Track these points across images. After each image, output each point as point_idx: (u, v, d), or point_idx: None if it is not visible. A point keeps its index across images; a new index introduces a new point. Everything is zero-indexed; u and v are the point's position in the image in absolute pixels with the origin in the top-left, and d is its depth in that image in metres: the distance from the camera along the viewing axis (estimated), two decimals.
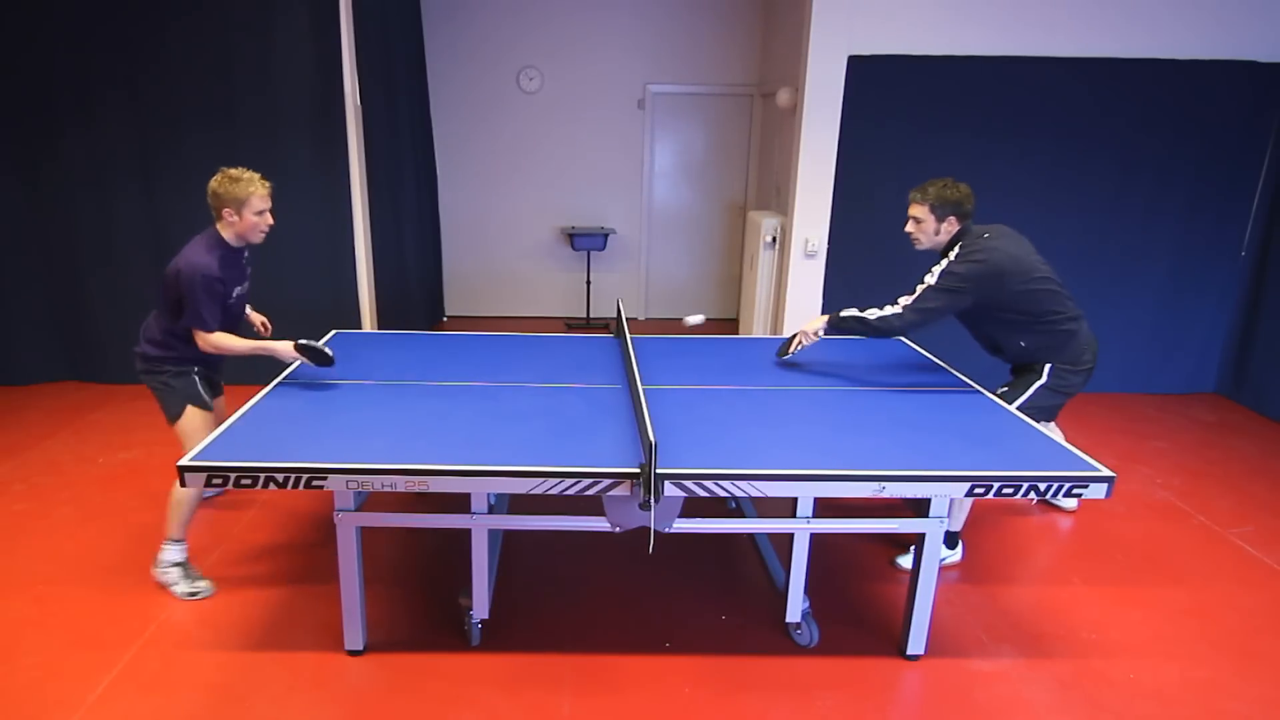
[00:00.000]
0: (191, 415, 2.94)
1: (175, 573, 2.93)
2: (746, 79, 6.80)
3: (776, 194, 5.99)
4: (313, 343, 3.00)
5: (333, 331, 3.74)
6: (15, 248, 4.83)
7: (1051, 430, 3.40)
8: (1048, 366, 3.12)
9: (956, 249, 3.03)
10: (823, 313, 5.16)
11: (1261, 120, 4.87)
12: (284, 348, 2.96)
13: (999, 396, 3.14)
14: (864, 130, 4.88)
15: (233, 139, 4.72)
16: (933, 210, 3.02)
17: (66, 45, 4.54)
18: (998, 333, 3.14)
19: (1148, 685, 2.57)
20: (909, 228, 3.11)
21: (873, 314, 3.08)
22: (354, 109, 4.75)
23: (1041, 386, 3.12)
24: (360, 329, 4.98)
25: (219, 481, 2.24)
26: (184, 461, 2.24)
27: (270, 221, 2.94)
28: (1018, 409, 3.05)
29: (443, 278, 7.12)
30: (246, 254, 3.03)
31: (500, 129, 6.84)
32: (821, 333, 3.22)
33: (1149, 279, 5.14)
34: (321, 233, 4.89)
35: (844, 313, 3.14)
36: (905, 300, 3.04)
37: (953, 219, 3.03)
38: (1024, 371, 3.19)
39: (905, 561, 3.26)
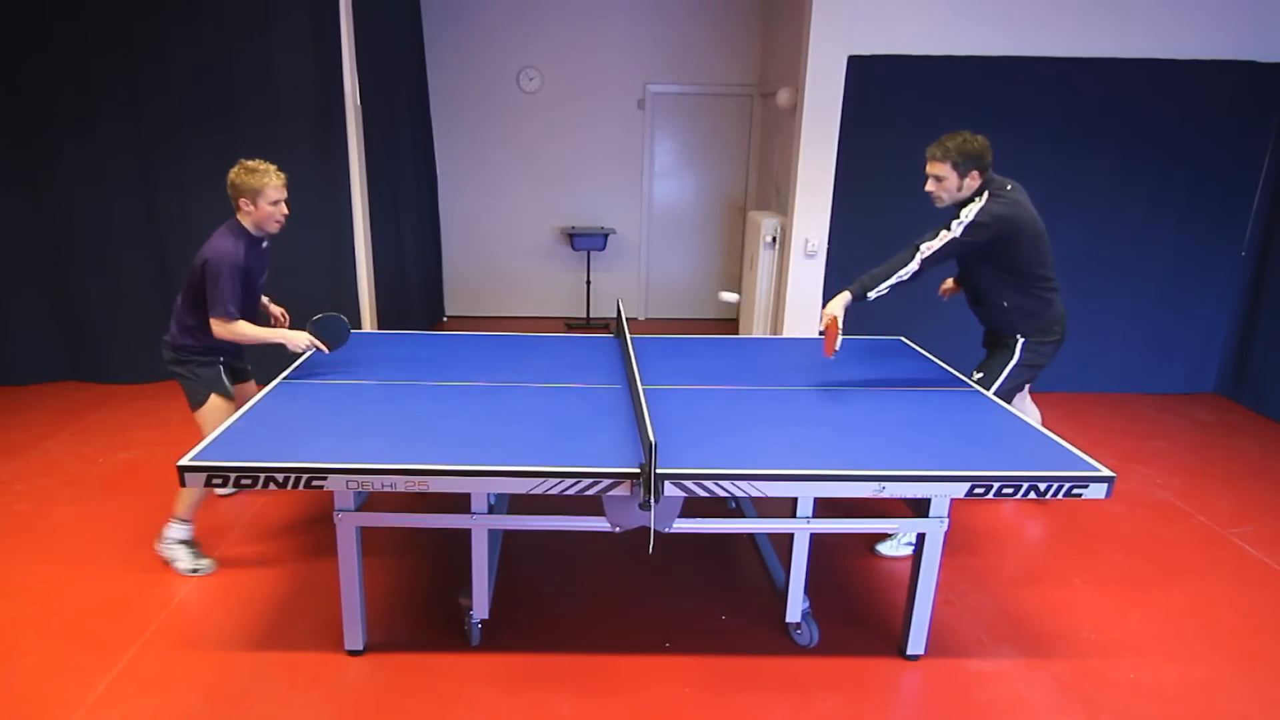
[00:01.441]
0: (214, 403, 3.03)
1: (180, 550, 3.01)
2: (746, 79, 6.79)
3: (776, 194, 5.98)
4: (326, 315, 3.08)
5: None
6: (16, 248, 4.83)
7: (1027, 405, 3.43)
8: (1020, 341, 3.15)
9: (985, 196, 2.93)
10: (823, 304, 5.19)
11: (1261, 120, 4.87)
12: (297, 336, 3.03)
13: (976, 382, 3.15)
14: (864, 130, 4.87)
15: (233, 140, 4.71)
16: (955, 167, 2.92)
17: (67, 46, 4.54)
18: (988, 285, 3.12)
19: (1148, 685, 2.57)
20: (929, 186, 3.00)
21: (898, 276, 2.92)
22: (354, 109, 4.75)
23: (1016, 365, 3.16)
24: (360, 329, 4.97)
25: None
26: (184, 461, 2.24)
27: (285, 212, 3.02)
28: (995, 391, 3.10)
29: (443, 278, 7.12)
30: (266, 243, 3.10)
31: (500, 129, 6.83)
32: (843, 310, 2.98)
33: (1149, 279, 5.14)
34: (321, 232, 4.88)
35: (869, 294, 2.94)
36: (927, 247, 2.91)
37: (975, 173, 2.94)
38: (997, 349, 3.21)
39: (885, 549, 3.29)
